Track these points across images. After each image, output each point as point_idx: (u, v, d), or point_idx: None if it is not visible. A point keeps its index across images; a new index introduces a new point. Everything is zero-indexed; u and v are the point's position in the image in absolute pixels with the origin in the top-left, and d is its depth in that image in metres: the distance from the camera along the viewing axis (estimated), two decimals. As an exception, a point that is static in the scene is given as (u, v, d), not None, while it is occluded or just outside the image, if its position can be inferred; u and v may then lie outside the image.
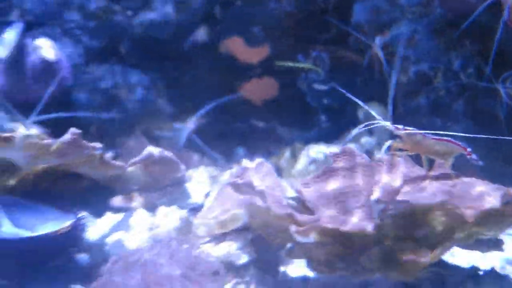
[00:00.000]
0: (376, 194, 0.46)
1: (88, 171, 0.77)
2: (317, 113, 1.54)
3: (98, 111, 1.40)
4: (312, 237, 0.44)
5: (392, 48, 1.37)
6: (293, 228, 0.45)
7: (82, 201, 0.84)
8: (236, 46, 1.58)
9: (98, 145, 0.70)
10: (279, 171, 1.42)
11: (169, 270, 0.44)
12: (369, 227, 0.44)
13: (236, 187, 0.53)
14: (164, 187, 0.86)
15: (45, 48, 1.18)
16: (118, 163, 0.76)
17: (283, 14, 1.49)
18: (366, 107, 0.63)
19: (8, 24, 1.16)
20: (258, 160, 0.66)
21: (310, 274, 0.53)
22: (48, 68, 1.22)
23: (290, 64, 1.27)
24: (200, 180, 0.88)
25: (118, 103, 1.46)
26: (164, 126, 1.58)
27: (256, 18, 1.51)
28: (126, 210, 0.90)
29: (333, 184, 0.51)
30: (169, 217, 0.76)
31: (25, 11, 1.36)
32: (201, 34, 1.55)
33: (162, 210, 0.79)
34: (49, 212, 0.69)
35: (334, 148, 1.26)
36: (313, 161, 1.27)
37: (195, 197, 0.84)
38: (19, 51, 1.15)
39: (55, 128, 1.09)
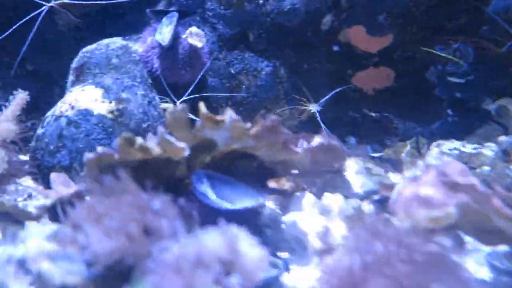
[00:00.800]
0: None
1: (264, 153, 0.84)
2: (442, 106, 1.50)
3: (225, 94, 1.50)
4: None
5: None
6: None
7: (249, 180, 0.93)
8: (357, 35, 1.58)
9: (290, 132, 0.77)
10: (397, 164, 1.42)
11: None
12: None
13: (453, 185, 0.56)
14: (323, 173, 0.92)
15: (195, 35, 1.28)
16: (297, 149, 0.82)
17: (411, 1, 1.45)
18: None
19: (167, 13, 1.28)
20: (447, 158, 0.67)
21: None
22: (195, 54, 1.33)
23: (434, 52, 1.24)
24: (356, 170, 0.92)
25: (244, 88, 1.54)
26: (283, 111, 1.65)
27: (382, 6, 1.49)
28: (282, 192, 0.98)
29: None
30: (337, 204, 0.81)
31: (171, 0, 1.48)
32: (325, 22, 1.57)
33: (328, 196, 0.85)
34: (242, 187, 0.78)
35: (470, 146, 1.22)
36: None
37: (357, 187, 0.88)
38: (174, 38, 1.27)
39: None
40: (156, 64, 1.30)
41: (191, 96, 1.34)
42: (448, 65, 1.21)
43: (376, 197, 0.82)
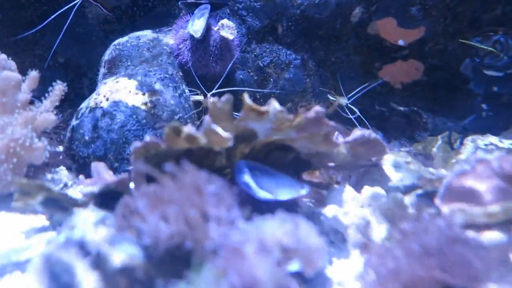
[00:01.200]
0: None
1: (302, 145, 0.83)
2: (476, 101, 1.46)
3: (253, 87, 1.50)
4: None
5: None
6: None
7: (284, 171, 0.93)
8: (387, 28, 1.56)
9: (333, 123, 0.76)
10: (428, 159, 1.39)
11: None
12: None
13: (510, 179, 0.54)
14: (360, 167, 0.91)
15: (226, 27, 1.28)
16: (337, 141, 0.82)
17: (445, -8, 1.42)
18: None
19: (198, 5, 1.28)
20: (499, 152, 0.66)
21: None
22: (226, 46, 1.33)
23: (473, 44, 1.21)
24: (393, 164, 0.91)
25: (271, 81, 1.54)
26: (310, 103, 1.64)
27: (415, -3, 1.46)
28: (316, 185, 0.97)
29: None
30: (377, 197, 0.80)
31: (202, -8, 1.48)
32: (355, 14, 1.55)
33: (367, 189, 0.84)
34: (281, 177, 0.78)
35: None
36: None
37: (396, 181, 0.87)
38: (206, 31, 1.27)
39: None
40: (187, 56, 1.31)
41: (221, 90, 1.34)
42: (486, 58, 1.18)
43: (419, 191, 0.81)
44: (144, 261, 0.49)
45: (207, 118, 0.68)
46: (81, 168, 1.22)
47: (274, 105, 0.71)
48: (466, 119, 1.48)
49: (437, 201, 0.67)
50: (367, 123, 1.43)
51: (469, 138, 1.25)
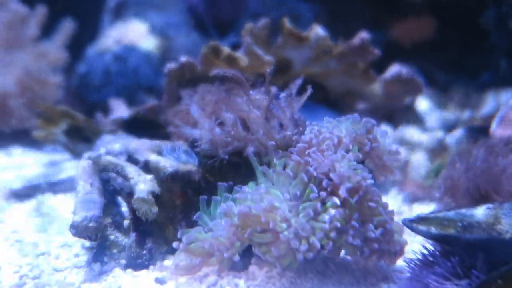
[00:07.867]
0: None
1: (336, 82, 0.80)
2: (492, 57, 1.43)
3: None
4: None
5: None
6: None
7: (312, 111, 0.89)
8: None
9: (378, 51, 0.71)
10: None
11: None
12: None
13: None
14: (390, 109, 0.87)
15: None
16: (375, 76, 0.77)
17: None
18: None
19: None
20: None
21: None
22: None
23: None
24: (428, 107, 0.87)
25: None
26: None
27: None
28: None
29: None
30: (416, 136, 0.77)
31: None
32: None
33: (400, 129, 0.80)
34: (320, 110, 0.75)
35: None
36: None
37: (433, 121, 0.84)
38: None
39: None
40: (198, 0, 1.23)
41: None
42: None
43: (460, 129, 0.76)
44: (197, 166, 0.45)
45: (247, 39, 0.63)
46: (90, 113, 1.16)
47: (316, 30, 0.66)
48: (481, 77, 1.45)
49: (491, 130, 0.65)
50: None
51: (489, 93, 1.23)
